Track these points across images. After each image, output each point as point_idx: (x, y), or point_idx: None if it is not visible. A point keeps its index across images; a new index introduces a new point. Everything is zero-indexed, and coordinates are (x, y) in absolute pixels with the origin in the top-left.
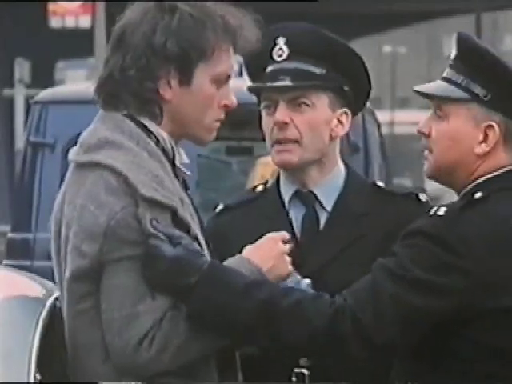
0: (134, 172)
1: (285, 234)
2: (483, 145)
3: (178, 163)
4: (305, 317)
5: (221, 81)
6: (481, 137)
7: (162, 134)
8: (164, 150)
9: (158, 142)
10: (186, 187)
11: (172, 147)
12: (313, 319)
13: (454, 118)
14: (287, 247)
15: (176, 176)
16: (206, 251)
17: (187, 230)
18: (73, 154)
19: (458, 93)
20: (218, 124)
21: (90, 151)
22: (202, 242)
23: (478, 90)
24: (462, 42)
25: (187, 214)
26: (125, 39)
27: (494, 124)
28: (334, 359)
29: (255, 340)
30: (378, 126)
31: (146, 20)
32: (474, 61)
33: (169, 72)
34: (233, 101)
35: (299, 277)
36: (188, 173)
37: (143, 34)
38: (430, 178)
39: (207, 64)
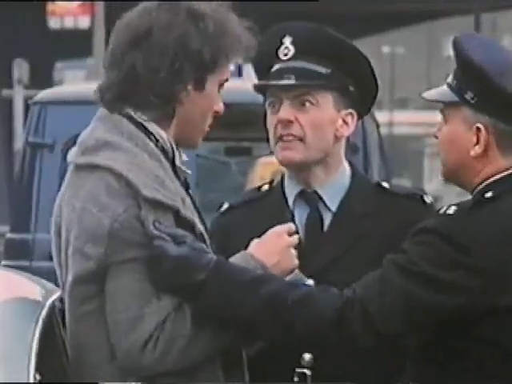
0: (134, 173)
1: (291, 226)
2: (476, 147)
3: (178, 162)
4: (315, 308)
5: (220, 87)
6: (474, 139)
7: (162, 133)
8: (164, 150)
9: (157, 142)
10: (187, 186)
11: (172, 146)
12: (323, 310)
13: (450, 122)
14: (294, 239)
15: (177, 176)
16: (210, 248)
17: (192, 228)
18: (71, 155)
19: (452, 97)
20: (208, 129)
21: (88, 153)
22: (207, 239)
23: (467, 92)
24: (454, 46)
25: (189, 212)
26: (150, 38)
27: (480, 126)
28: (342, 350)
29: (267, 333)
30: (377, 126)
31: (177, 24)
32: (461, 64)
33: (190, 76)
34: (222, 107)
35: (301, 275)
36: (189, 171)
37: (177, 38)
38: (445, 180)
39: (218, 70)
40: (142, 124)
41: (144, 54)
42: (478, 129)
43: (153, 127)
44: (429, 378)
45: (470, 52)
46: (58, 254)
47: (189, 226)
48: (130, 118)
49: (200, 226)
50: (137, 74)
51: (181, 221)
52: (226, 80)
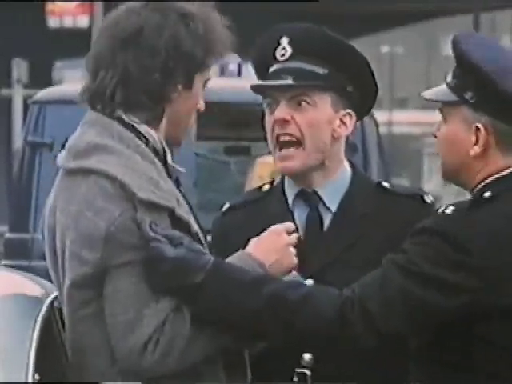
0: (128, 176)
1: (290, 225)
2: (476, 147)
3: (169, 161)
4: (315, 307)
5: (204, 85)
6: (473, 139)
7: (152, 134)
8: (155, 150)
9: (147, 142)
10: (178, 184)
11: (162, 146)
12: (323, 309)
13: (450, 121)
14: (292, 238)
15: (169, 174)
16: (207, 249)
17: (187, 228)
18: (62, 159)
19: (451, 96)
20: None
21: (80, 157)
22: (203, 238)
23: (466, 92)
24: (453, 45)
25: (184, 212)
26: (141, 39)
27: (480, 125)
28: (343, 350)
29: (268, 333)
30: (377, 126)
31: (168, 25)
32: (460, 63)
33: (181, 76)
34: (203, 105)
35: (299, 276)
36: (182, 170)
37: (168, 39)
38: (444, 179)
39: (205, 70)
40: (131, 125)
41: (135, 54)
42: (478, 128)
43: (143, 128)
44: (435, 379)
45: (469, 51)
46: (53, 257)
47: (184, 226)
48: (120, 120)
49: (195, 226)
50: (130, 75)
51: (176, 221)
52: (209, 78)
